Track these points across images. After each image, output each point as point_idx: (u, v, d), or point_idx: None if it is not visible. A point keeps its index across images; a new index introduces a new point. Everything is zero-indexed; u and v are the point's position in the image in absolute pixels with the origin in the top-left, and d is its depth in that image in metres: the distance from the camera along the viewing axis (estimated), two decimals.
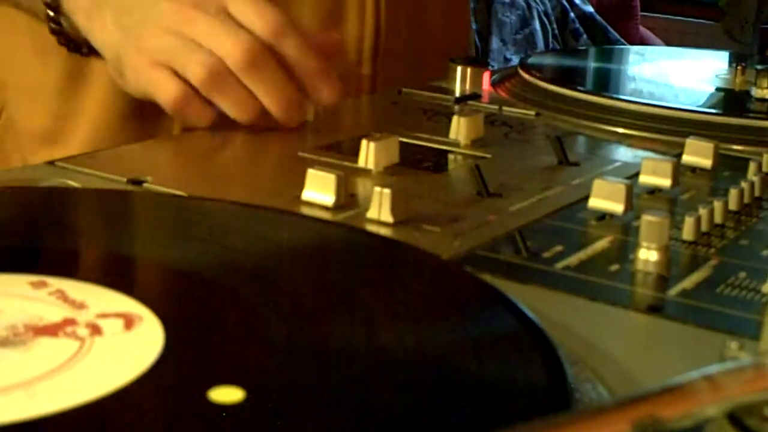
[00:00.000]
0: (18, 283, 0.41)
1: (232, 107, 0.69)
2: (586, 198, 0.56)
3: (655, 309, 0.45)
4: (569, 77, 0.97)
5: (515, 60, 2.36)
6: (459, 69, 0.89)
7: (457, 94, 0.87)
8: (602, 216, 0.55)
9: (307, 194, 0.55)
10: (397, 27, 0.93)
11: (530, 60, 0.99)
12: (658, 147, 0.74)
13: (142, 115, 0.81)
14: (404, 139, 0.68)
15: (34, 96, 0.86)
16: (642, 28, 3.07)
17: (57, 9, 0.75)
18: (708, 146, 0.67)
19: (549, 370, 0.35)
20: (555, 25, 2.74)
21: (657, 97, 0.89)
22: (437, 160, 0.67)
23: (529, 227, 0.54)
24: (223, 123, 0.70)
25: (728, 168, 0.68)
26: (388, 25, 0.92)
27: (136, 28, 0.70)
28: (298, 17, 0.88)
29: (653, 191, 0.61)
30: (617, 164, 0.69)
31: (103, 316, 0.38)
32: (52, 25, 0.76)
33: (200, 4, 0.68)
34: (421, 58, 0.95)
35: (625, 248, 0.52)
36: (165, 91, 0.68)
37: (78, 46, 0.78)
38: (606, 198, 0.55)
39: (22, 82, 0.86)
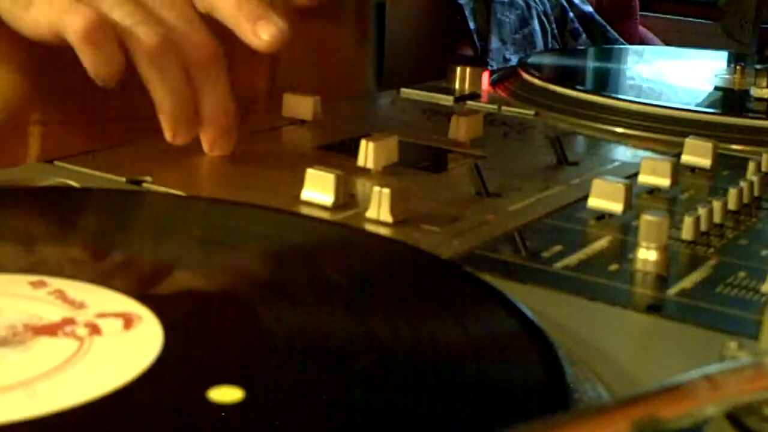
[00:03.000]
0: (17, 282, 0.41)
1: (166, 90, 0.61)
2: (586, 198, 0.56)
3: (655, 309, 0.45)
4: (568, 77, 0.97)
5: (514, 60, 2.36)
6: (458, 69, 0.90)
7: (457, 93, 0.87)
8: (601, 216, 0.55)
9: (306, 194, 0.55)
10: (294, 65, 0.86)
11: (529, 60, 0.99)
12: (657, 147, 0.74)
13: None
14: (403, 139, 0.68)
15: None
16: (641, 28, 3.07)
17: None
18: (707, 146, 0.67)
19: (548, 370, 0.35)
20: (554, 25, 2.75)
21: (656, 97, 0.89)
22: (436, 160, 0.67)
23: (529, 227, 0.54)
24: None
25: (727, 168, 0.68)
26: (288, 63, 0.85)
27: None
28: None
29: (652, 191, 0.61)
30: (616, 164, 0.69)
31: (103, 315, 0.38)
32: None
33: None
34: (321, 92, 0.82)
35: (624, 248, 0.52)
36: (82, 17, 0.59)
37: None
38: (605, 198, 0.55)
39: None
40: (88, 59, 0.59)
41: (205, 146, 0.64)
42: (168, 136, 0.63)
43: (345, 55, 0.95)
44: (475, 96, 0.87)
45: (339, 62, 0.93)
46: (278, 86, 0.82)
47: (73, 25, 0.59)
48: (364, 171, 0.62)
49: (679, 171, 0.62)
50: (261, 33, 0.62)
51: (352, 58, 0.96)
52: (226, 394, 0.33)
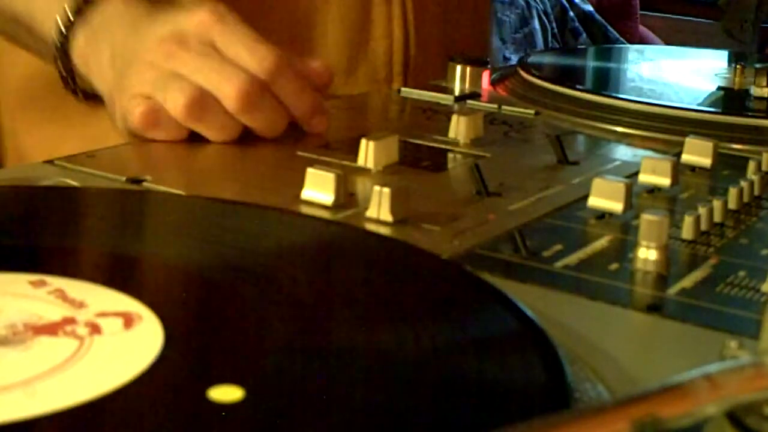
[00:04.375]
0: (17, 282, 0.41)
1: (213, 134, 0.67)
2: (586, 197, 0.56)
3: (655, 308, 0.45)
4: (569, 76, 0.97)
5: (515, 59, 2.36)
6: (458, 68, 0.89)
7: (457, 93, 0.87)
8: (602, 215, 0.55)
9: (306, 193, 0.55)
10: (425, 41, 0.93)
11: (530, 59, 0.99)
12: (657, 146, 0.74)
13: None
14: (404, 138, 0.68)
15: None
16: (641, 27, 3.07)
17: (66, 54, 0.73)
18: (707, 145, 0.67)
19: (548, 370, 0.35)
20: (554, 24, 2.74)
21: (656, 96, 0.89)
22: (437, 159, 0.67)
23: (529, 226, 0.54)
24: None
25: (728, 167, 0.68)
26: (418, 39, 0.92)
27: (126, 68, 0.68)
28: (324, 35, 0.88)
29: (653, 190, 0.61)
30: (617, 163, 0.69)
31: (103, 315, 0.38)
32: (63, 72, 0.74)
33: (185, 41, 0.67)
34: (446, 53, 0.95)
35: (624, 247, 0.52)
36: (133, 110, 0.66)
37: (81, 92, 0.76)
38: (605, 197, 0.55)
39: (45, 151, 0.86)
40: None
41: (305, 127, 0.71)
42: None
43: (469, 17, 1.01)
44: (475, 95, 0.87)
45: (464, 23, 1.00)
46: (414, 63, 0.92)
47: (131, 121, 0.66)
48: (365, 170, 0.62)
49: (679, 170, 0.62)
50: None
51: (474, 20, 1.02)
52: (227, 393, 0.33)
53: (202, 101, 0.65)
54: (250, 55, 0.67)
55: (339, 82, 0.89)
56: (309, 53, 0.88)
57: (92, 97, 0.76)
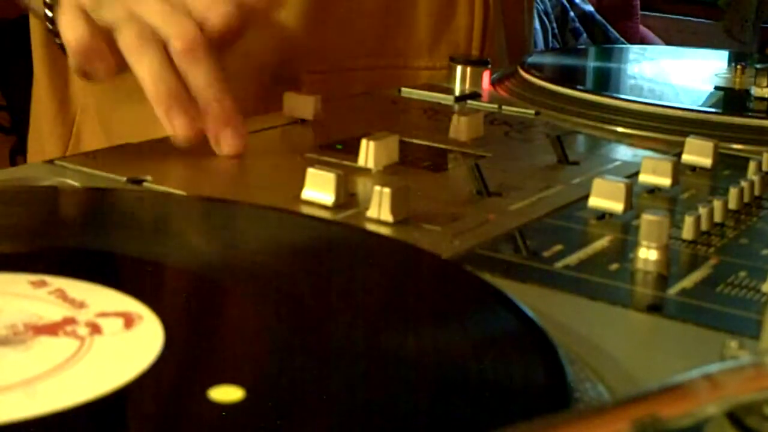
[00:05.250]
0: (18, 282, 0.41)
1: (148, 74, 0.64)
2: (586, 197, 0.56)
3: (655, 308, 0.45)
4: (569, 76, 0.97)
5: None
6: (459, 68, 0.90)
7: (457, 93, 0.87)
8: (602, 215, 0.55)
9: (306, 193, 0.55)
10: (499, 21, 0.98)
11: (530, 59, 0.99)
12: (657, 146, 0.74)
13: None
14: (404, 138, 0.68)
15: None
16: (642, 27, 3.07)
17: (52, 7, 0.73)
18: (708, 145, 0.67)
19: (548, 370, 0.35)
20: (555, 24, 2.74)
21: (657, 96, 0.89)
22: (437, 160, 0.67)
23: (529, 226, 0.54)
24: None
25: (728, 167, 0.68)
26: (495, 15, 0.96)
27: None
28: (411, 9, 0.93)
29: (653, 190, 0.61)
30: (617, 163, 0.69)
31: (103, 315, 0.38)
32: (48, 25, 0.75)
33: None
34: (513, 49, 1.00)
35: (624, 247, 0.52)
36: (72, 29, 0.65)
37: None
38: (606, 197, 0.55)
39: (130, 128, 0.85)
40: (80, 68, 0.66)
41: (213, 145, 0.65)
42: (163, 122, 0.64)
43: (519, 22, 1.06)
44: (475, 95, 0.87)
45: (514, 29, 1.05)
46: (489, 38, 0.97)
47: (67, 37, 0.65)
48: (365, 170, 0.62)
49: (679, 170, 0.62)
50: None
51: (522, 24, 1.08)
52: (227, 393, 0.33)
53: (150, 39, 0.63)
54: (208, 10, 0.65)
55: (423, 53, 0.95)
56: (397, 25, 0.92)
57: None
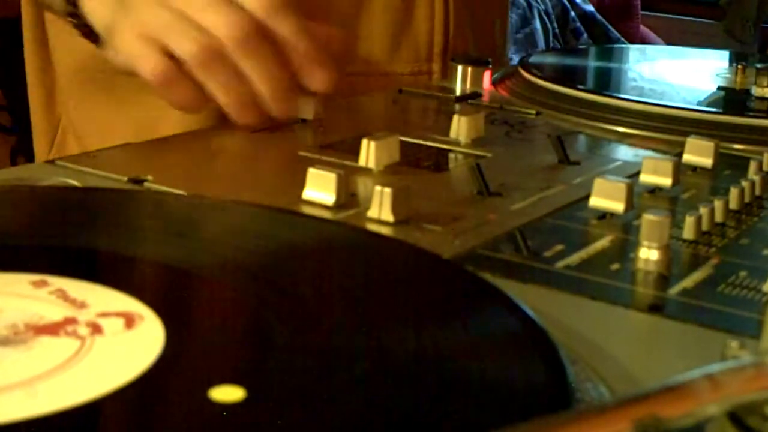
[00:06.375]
0: (19, 282, 0.41)
1: (220, 89, 0.67)
2: (587, 197, 0.56)
3: (656, 308, 0.45)
4: (570, 76, 0.97)
5: (516, 59, 2.36)
6: (460, 68, 0.89)
7: (458, 93, 0.87)
8: (603, 215, 0.55)
9: (307, 193, 0.55)
10: (463, 25, 0.96)
11: (531, 59, 0.99)
12: (658, 146, 0.74)
13: None
14: (405, 138, 0.68)
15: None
16: (642, 27, 3.07)
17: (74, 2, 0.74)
18: (708, 145, 0.67)
19: (550, 370, 0.35)
20: (555, 24, 2.74)
21: (658, 96, 0.89)
22: (438, 159, 0.67)
23: (530, 226, 0.54)
24: (223, 122, 0.70)
25: (729, 167, 0.68)
26: (456, 22, 0.95)
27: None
28: (369, 13, 0.91)
29: (654, 190, 0.61)
30: (618, 163, 0.69)
31: (104, 315, 0.38)
32: (71, 20, 0.74)
33: None
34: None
35: (625, 247, 0.52)
36: (149, 64, 0.66)
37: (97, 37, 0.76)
38: (607, 197, 0.55)
39: (98, 133, 0.88)
40: (166, 98, 0.68)
41: (308, 84, 0.69)
42: (234, 120, 0.68)
43: (493, 24, 1.05)
44: (476, 95, 0.87)
45: (488, 30, 1.04)
46: (453, 45, 0.95)
47: (147, 73, 0.67)
48: (366, 170, 0.62)
49: (680, 170, 0.62)
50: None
51: (498, 27, 1.06)
52: (228, 393, 0.33)
53: (213, 52, 0.66)
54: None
55: (382, 59, 0.93)
56: (354, 32, 0.90)
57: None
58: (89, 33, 0.74)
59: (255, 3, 0.67)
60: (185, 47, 0.66)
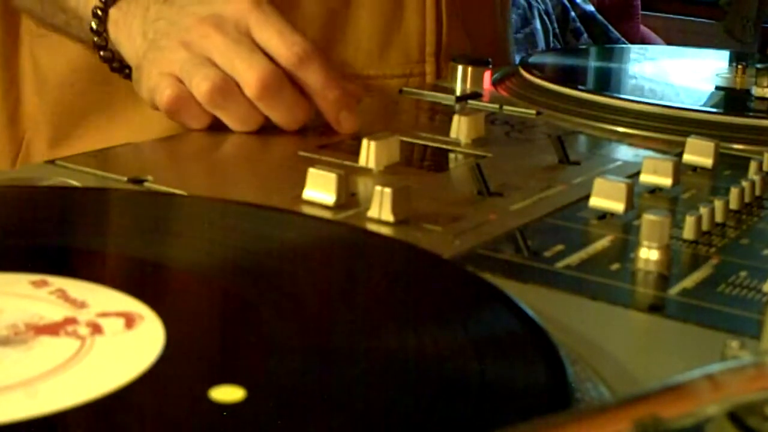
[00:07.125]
0: (19, 282, 0.41)
1: (233, 122, 0.69)
2: (587, 197, 0.56)
3: (656, 308, 0.45)
4: (570, 76, 0.97)
5: (516, 59, 2.36)
6: (460, 68, 0.89)
7: (458, 93, 0.87)
8: (603, 215, 0.55)
9: (307, 193, 0.55)
10: (457, 24, 0.95)
11: (531, 59, 0.99)
12: (658, 146, 0.74)
13: None
14: (405, 138, 0.68)
15: None
16: (643, 27, 3.07)
17: (101, 34, 0.75)
18: (709, 145, 0.67)
19: (549, 370, 0.35)
20: (556, 24, 2.74)
21: (658, 96, 0.89)
22: (438, 160, 0.67)
23: (530, 226, 0.54)
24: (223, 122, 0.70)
25: (729, 167, 0.68)
26: (449, 21, 0.94)
27: (159, 39, 0.70)
28: (357, 14, 0.90)
29: (654, 190, 0.61)
30: (618, 163, 0.69)
31: (104, 315, 0.38)
32: (100, 53, 0.77)
33: (222, 24, 0.68)
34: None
35: (625, 247, 0.52)
36: (162, 92, 0.68)
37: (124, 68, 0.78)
38: (607, 197, 0.55)
39: (95, 138, 0.88)
40: (176, 121, 0.70)
41: (335, 126, 0.71)
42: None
43: (491, 24, 1.03)
44: (476, 95, 0.87)
45: (487, 30, 1.02)
46: (446, 43, 0.94)
47: (159, 101, 0.68)
48: (366, 170, 0.62)
49: (680, 170, 0.62)
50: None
51: (497, 27, 1.05)
52: (228, 393, 0.33)
53: (226, 88, 0.67)
54: (281, 40, 0.68)
55: (372, 62, 0.92)
56: (342, 33, 0.90)
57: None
58: (111, 59, 0.76)
59: (284, 52, 0.68)
60: (198, 83, 0.67)
